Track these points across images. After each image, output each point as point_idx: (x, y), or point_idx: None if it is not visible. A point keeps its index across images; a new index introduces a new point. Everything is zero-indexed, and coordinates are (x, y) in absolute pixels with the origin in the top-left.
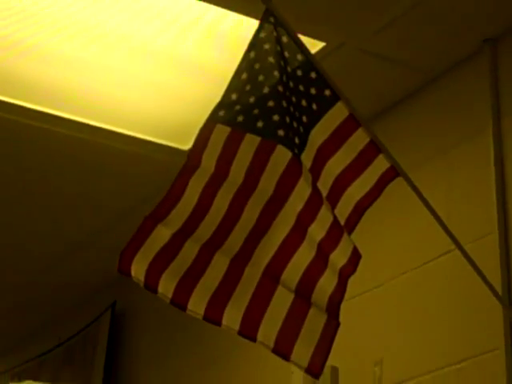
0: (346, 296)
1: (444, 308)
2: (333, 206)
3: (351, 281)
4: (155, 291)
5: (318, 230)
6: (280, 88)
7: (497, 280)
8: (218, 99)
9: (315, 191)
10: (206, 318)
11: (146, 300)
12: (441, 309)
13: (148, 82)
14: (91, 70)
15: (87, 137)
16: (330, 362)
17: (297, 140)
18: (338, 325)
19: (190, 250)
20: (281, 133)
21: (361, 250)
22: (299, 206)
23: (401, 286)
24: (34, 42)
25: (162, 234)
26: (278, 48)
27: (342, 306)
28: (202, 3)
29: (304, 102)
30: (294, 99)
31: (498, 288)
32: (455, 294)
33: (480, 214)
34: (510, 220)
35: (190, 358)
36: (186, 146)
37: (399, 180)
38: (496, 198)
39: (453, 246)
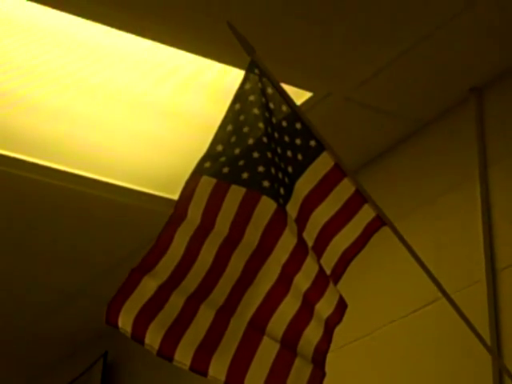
0: (335, 345)
1: (433, 357)
2: (318, 256)
3: (340, 330)
4: (142, 342)
5: (303, 281)
6: (265, 139)
7: (485, 329)
8: (205, 149)
9: (300, 242)
10: (192, 368)
11: (138, 350)
12: (429, 358)
13: (136, 132)
14: (79, 121)
15: (76, 187)
16: None
17: (282, 191)
18: (323, 375)
19: (176, 302)
20: (266, 184)
21: (348, 300)
22: (284, 257)
23: (389, 335)
24: (21, 94)
25: (149, 286)
26: (263, 99)
27: (331, 355)
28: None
29: (289, 153)
30: (279, 150)
31: (487, 337)
32: (444, 343)
33: (468, 262)
34: (497, 268)
35: None
36: (175, 195)
37: (386, 229)
38: (483, 246)
39: (441, 295)
